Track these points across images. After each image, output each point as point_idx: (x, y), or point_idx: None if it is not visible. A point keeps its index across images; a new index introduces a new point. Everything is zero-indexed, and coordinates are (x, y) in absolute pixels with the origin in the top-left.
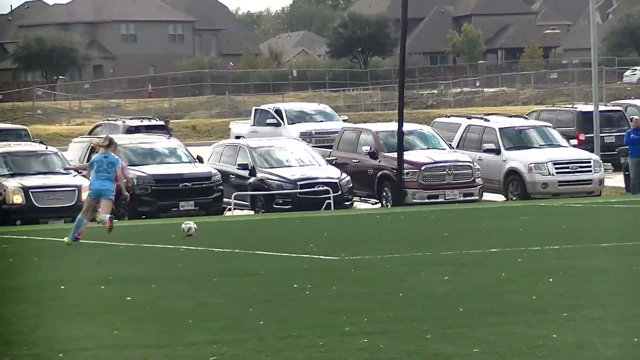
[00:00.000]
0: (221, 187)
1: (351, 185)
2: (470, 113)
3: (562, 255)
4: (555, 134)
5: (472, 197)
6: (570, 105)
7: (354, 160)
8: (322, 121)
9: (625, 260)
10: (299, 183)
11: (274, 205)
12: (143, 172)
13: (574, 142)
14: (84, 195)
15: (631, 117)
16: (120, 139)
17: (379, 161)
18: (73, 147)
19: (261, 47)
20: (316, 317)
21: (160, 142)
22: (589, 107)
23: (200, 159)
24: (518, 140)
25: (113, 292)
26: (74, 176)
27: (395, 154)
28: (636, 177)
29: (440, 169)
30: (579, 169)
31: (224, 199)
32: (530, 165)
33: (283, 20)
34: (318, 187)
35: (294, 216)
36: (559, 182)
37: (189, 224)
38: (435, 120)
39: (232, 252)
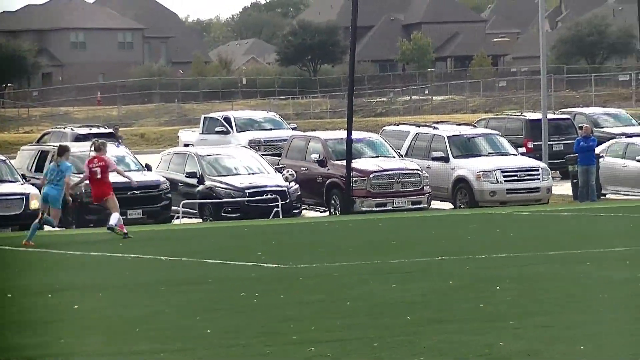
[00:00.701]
0: (169, 195)
1: (300, 193)
2: (419, 121)
3: (509, 263)
4: (504, 142)
5: (421, 205)
6: (519, 113)
7: (302, 169)
8: (271, 129)
9: (572, 269)
10: (247, 191)
11: (222, 214)
12: None
13: (523, 150)
14: (32, 204)
15: (580, 125)
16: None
17: (328, 169)
18: (21, 155)
19: (211, 54)
20: (264, 326)
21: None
22: (538, 115)
23: (148, 167)
24: (466, 148)
25: (60, 301)
26: (22, 184)
27: (344, 162)
28: (584, 185)
29: (388, 177)
30: (527, 177)
31: (172, 207)
32: (478, 173)
33: (233, 27)
34: (266, 195)
35: (242, 224)
36: (507, 190)
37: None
38: (384, 128)
39: (179, 261)
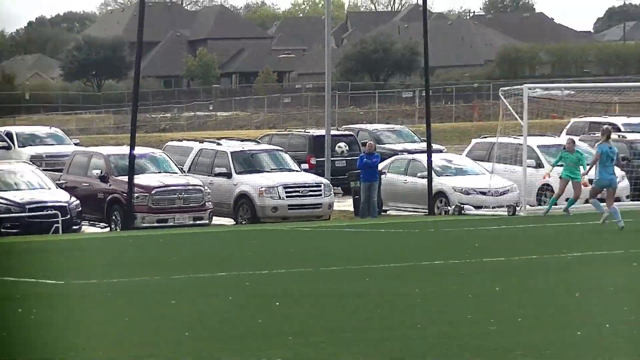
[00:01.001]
0: None
1: (80, 209)
2: (203, 137)
3: (289, 279)
4: (287, 158)
5: (202, 221)
6: (303, 130)
7: (84, 184)
8: (53, 144)
9: (349, 284)
10: (27, 207)
11: (2, 229)
12: None
13: (306, 166)
14: None
15: (363, 141)
16: None
17: (110, 185)
18: None
19: None
20: (40, 345)
21: None
22: (321, 132)
23: None
24: (249, 164)
25: None
26: None
27: (126, 178)
28: (366, 201)
29: (170, 193)
30: (309, 193)
31: None
32: (260, 189)
33: (17, 42)
34: (46, 210)
35: (21, 240)
36: (288, 205)
37: None
38: (167, 144)
39: None
